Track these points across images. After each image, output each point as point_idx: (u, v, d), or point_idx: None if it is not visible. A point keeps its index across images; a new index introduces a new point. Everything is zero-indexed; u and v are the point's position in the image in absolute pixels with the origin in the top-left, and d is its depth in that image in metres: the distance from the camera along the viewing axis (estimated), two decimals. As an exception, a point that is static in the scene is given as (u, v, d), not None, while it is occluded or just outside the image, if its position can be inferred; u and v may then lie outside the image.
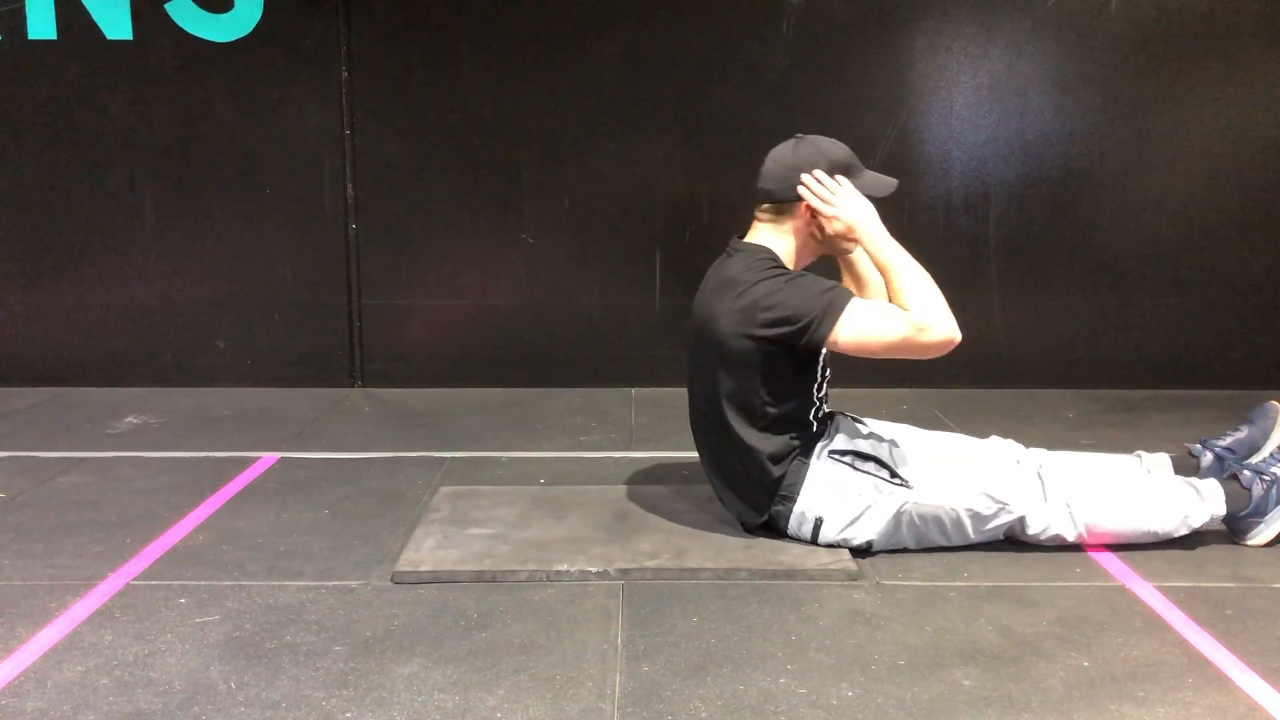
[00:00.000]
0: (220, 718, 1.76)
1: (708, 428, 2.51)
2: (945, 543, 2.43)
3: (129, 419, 3.73)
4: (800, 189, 2.41)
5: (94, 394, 4.11)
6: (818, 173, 2.41)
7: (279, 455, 3.27)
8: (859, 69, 4.07)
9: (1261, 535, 2.44)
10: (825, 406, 2.53)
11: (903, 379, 4.18)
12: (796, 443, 2.43)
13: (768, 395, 2.38)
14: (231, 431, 3.57)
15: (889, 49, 4.06)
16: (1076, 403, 3.97)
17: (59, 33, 4.02)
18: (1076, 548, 2.45)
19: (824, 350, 2.39)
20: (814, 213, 2.42)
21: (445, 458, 3.25)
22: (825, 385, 2.50)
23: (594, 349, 4.24)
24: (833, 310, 2.30)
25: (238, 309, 4.22)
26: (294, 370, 4.25)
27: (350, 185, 4.14)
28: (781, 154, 2.47)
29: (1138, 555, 2.42)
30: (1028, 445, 2.62)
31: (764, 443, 2.41)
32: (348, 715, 1.77)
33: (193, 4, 4.00)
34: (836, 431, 2.50)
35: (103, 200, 4.14)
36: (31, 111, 4.08)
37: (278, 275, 4.20)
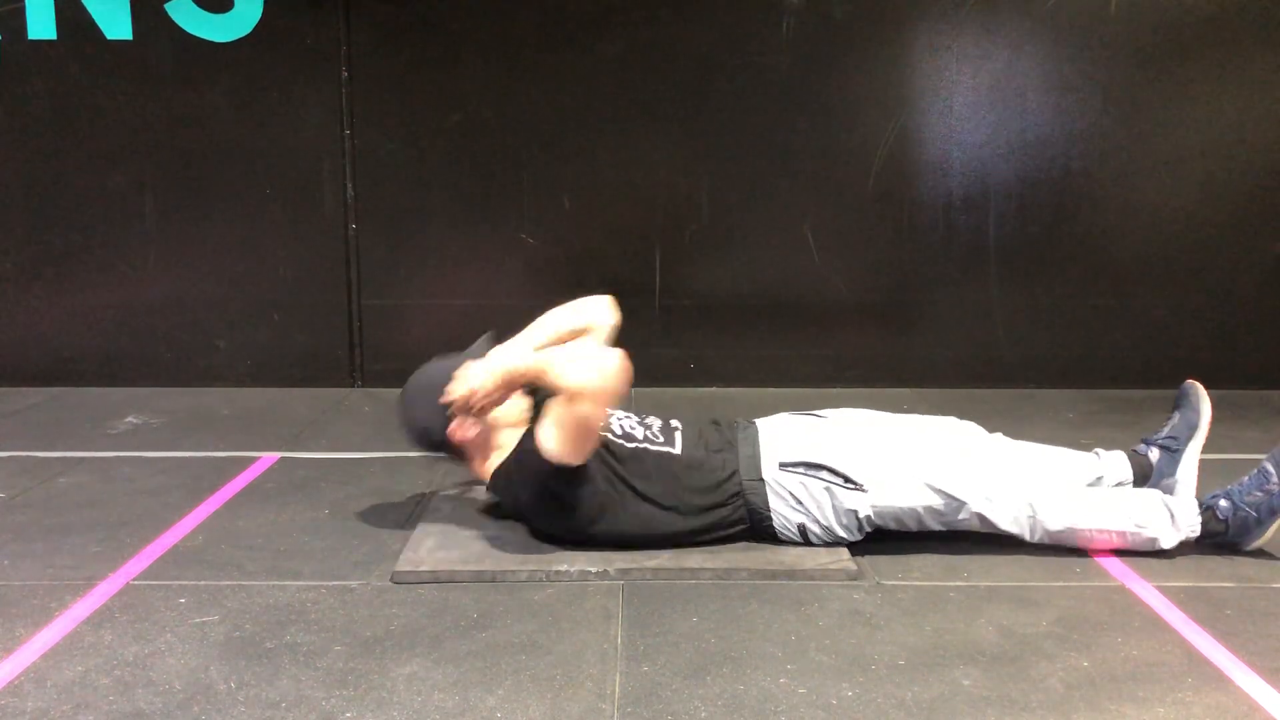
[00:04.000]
0: (220, 718, 1.76)
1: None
2: (905, 530, 2.44)
3: (129, 419, 3.73)
4: (451, 424, 2.45)
5: (94, 394, 4.11)
6: (447, 399, 2.43)
7: (279, 455, 3.27)
8: (859, 69, 4.07)
9: (1251, 544, 2.43)
10: (650, 448, 2.46)
11: (902, 379, 4.19)
12: (707, 500, 2.40)
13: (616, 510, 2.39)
14: (231, 431, 3.57)
15: (889, 49, 4.06)
16: (1076, 403, 3.98)
17: (59, 33, 4.02)
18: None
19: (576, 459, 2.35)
20: (480, 410, 2.42)
21: (445, 458, 3.24)
22: (621, 449, 2.44)
23: (594, 349, 4.24)
24: (535, 447, 2.33)
25: (238, 309, 4.22)
26: (294, 370, 4.25)
27: (350, 185, 4.14)
28: (408, 420, 2.55)
29: (1138, 555, 2.42)
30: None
31: (700, 519, 2.41)
32: (348, 715, 1.77)
33: (193, 4, 4.00)
34: (765, 439, 2.46)
35: (103, 200, 4.14)
36: (32, 111, 4.08)
37: (278, 275, 4.20)
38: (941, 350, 4.23)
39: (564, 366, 2.30)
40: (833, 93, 4.07)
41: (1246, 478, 2.40)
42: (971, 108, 4.09)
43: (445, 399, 2.43)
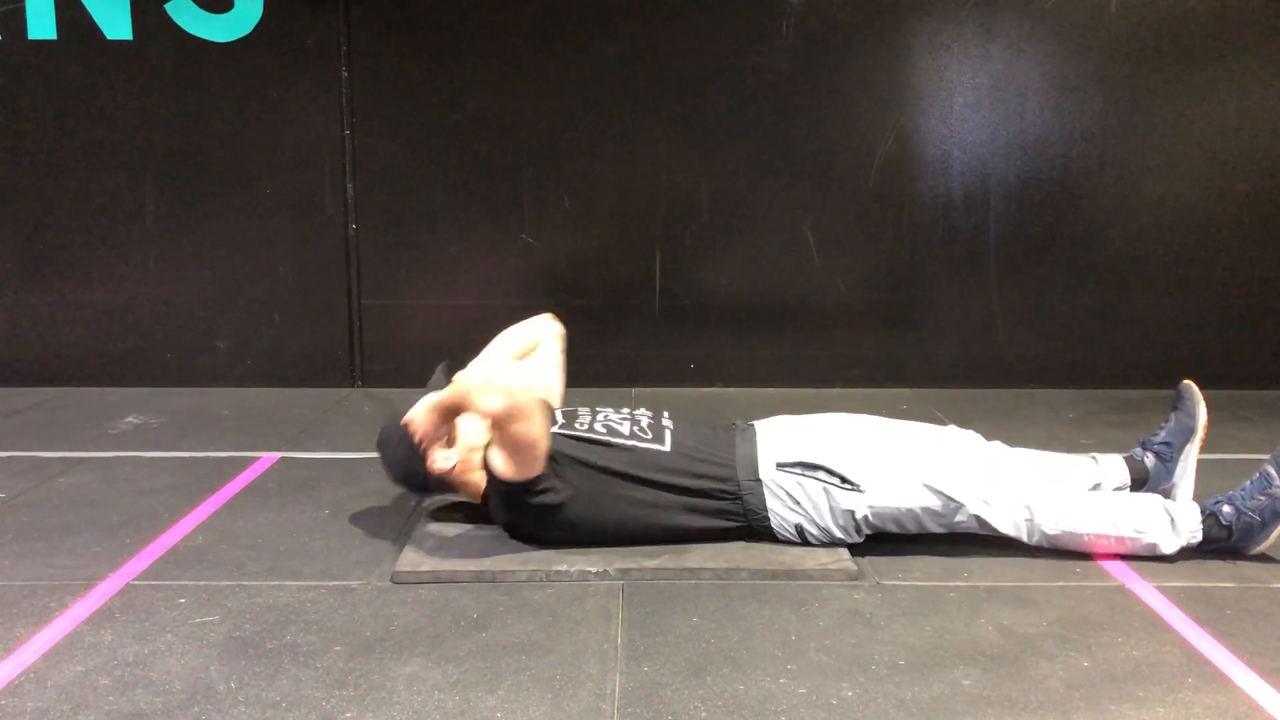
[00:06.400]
0: (220, 718, 1.76)
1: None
2: (905, 533, 2.43)
3: (129, 419, 3.73)
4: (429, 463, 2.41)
5: (94, 394, 4.11)
6: (413, 434, 2.39)
7: (279, 455, 3.27)
8: (859, 69, 4.07)
9: (1254, 549, 2.41)
10: (637, 445, 2.44)
11: (902, 379, 4.19)
12: (683, 494, 2.41)
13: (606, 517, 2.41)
14: (231, 431, 3.57)
15: (889, 49, 4.06)
16: (1076, 403, 3.98)
17: (59, 33, 4.02)
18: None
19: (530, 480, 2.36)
20: (431, 445, 2.39)
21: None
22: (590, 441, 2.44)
23: (594, 349, 4.24)
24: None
25: (238, 309, 4.22)
26: (294, 370, 4.25)
27: (350, 185, 4.14)
28: (390, 470, 2.51)
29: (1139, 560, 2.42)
30: (1023, 445, 2.60)
31: (691, 519, 2.42)
32: (348, 715, 1.77)
33: (193, 4, 4.00)
34: (763, 439, 2.46)
35: (103, 200, 4.14)
36: (31, 111, 4.08)
37: (278, 275, 4.20)
38: (941, 350, 4.23)
39: (476, 396, 2.30)
40: (833, 93, 4.07)
41: (1249, 482, 2.38)
42: (971, 108, 4.09)
43: (415, 439, 2.38)
